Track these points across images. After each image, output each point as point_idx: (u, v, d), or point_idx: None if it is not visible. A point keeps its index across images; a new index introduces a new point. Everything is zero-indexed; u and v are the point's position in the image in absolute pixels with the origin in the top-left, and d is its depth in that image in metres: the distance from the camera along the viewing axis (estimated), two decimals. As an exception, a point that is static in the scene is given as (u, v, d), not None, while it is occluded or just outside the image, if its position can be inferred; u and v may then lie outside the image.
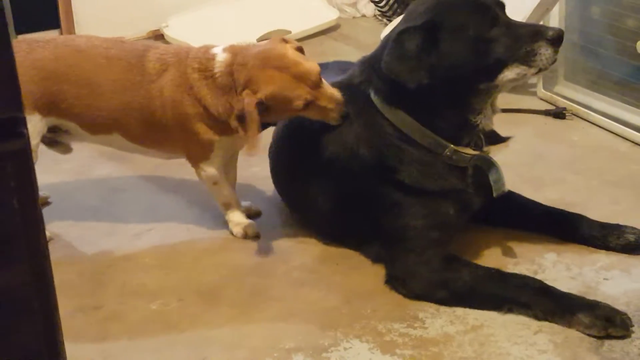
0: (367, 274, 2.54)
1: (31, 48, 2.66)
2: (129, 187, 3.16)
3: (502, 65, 2.36)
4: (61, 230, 2.87)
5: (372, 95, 2.49)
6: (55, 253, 1.24)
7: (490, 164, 2.50)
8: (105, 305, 2.47)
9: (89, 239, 2.83)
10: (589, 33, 3.53)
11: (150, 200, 3.06)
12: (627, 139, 3.32)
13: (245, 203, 2.91)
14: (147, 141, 2.74)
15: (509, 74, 2.38)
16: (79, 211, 3.00)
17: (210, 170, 2.72)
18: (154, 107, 2.64)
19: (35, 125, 2.63)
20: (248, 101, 2.46)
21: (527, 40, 2.36)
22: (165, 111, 2.63)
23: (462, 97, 2.42)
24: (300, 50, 2.57)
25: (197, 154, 2.70)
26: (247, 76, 2.50)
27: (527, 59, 2.36)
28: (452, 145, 2.45)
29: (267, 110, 2.50)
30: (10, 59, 1.11)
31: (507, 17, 2.42)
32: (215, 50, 2.62)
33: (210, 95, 2.58)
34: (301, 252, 2.70)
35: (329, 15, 4.99)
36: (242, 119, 2.49)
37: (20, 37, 2.83)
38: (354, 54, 4.09)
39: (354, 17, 5.19)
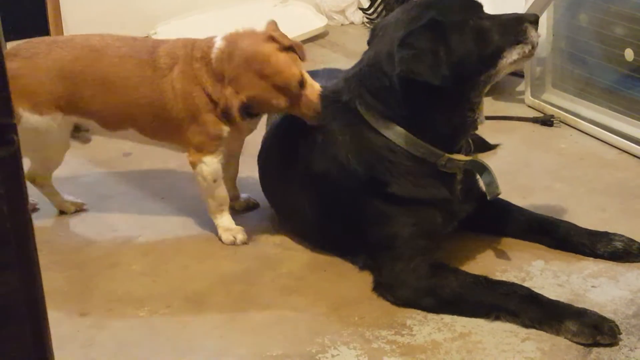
0: (355, 281, 2.54)
1: (50, 49, 2.72)
2: (117, 194, 3.16)
3: (501, 50, 2.44)
4: (48, 236, 2.86)
5: (363, 111, 2.49)
6: (42, 259, 1.23)
7: (483, 167, 2.53)
8: (93, 312, 2.46)
9: (77, 245, 2.83)
10: (577, 40, 3.54)
11: (139, 207, 3.06)
12: (614, 147, 3.33)
13: (243, 195, 2.97)
14: (160, 135, 2.77)
15: (510, 56, 2.45)
16: (66, 218, 2.99)
17: (214, 164, 2.71)
18: (166, 100, 2.67)
19: (60, 122, 2.72)
20: (232, 102, 2.53)
21: (515, 24, 2.48)
22: (177, 104, 2.66)
23: (464, 93, 2.45)
24: (290, 48, 2.59)
25: (204, 146, 2.68)
26: (231, 73, 2.56)
27: (520, 38, 2.46)
28: (446, 154, 2.46)
29: (250, 107, 2.58)
30: (0, 65, 1.11)
31: None
32: (216, 39, 2.68)
33: (210, 82, 2.62)
34: (289, 259, 2.70)
35: (317, 23, 4.99)
36: (226, 113, 2.57)
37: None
38: (342, 61, 4.10)
39: (342, 25, 5.19)
